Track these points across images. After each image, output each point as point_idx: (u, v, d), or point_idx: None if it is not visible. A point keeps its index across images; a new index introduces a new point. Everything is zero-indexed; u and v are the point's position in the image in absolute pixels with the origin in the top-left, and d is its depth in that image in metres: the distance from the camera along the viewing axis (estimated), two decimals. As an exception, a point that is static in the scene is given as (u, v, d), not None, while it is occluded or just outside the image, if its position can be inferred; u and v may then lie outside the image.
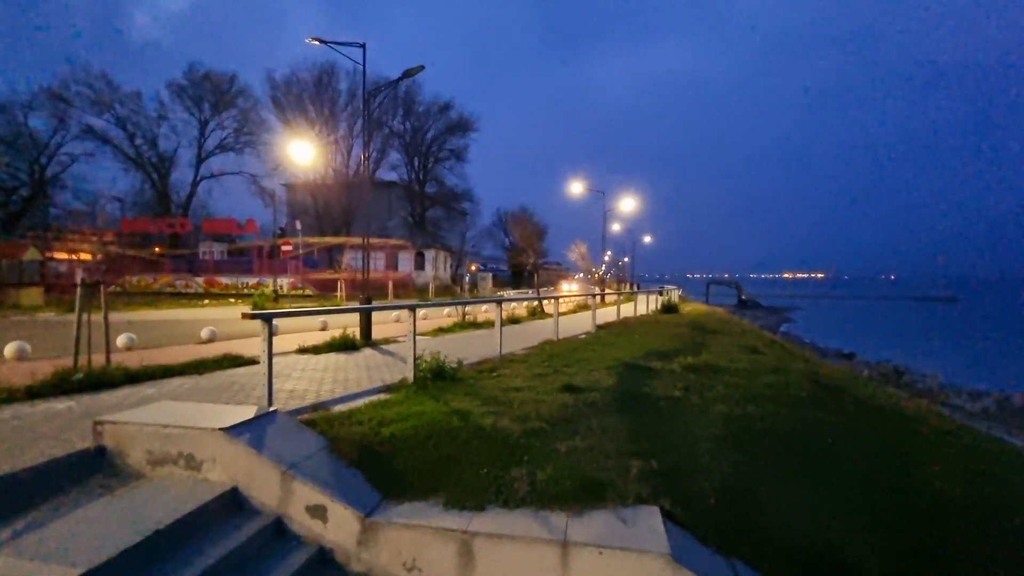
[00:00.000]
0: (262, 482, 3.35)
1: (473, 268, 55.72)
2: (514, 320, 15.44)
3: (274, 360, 7.16)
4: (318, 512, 3.24)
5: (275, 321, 11.30)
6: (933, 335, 45.67)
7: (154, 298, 25.99)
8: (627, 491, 3.30)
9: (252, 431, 3.59)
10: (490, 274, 55.36)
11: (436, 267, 45.93)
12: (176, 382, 5.82)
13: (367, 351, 8.79)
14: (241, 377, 6.16)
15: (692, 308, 25.75)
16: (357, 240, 30.05)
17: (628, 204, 28.34)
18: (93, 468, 3.43)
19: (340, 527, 3.18)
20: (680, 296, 30.70)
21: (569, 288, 35.25)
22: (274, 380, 5.76)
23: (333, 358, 7.92)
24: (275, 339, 9.86)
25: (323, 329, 12.26)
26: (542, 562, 2.86)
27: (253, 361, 7.08)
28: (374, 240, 38.36)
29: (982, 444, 6.87)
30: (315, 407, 4.77)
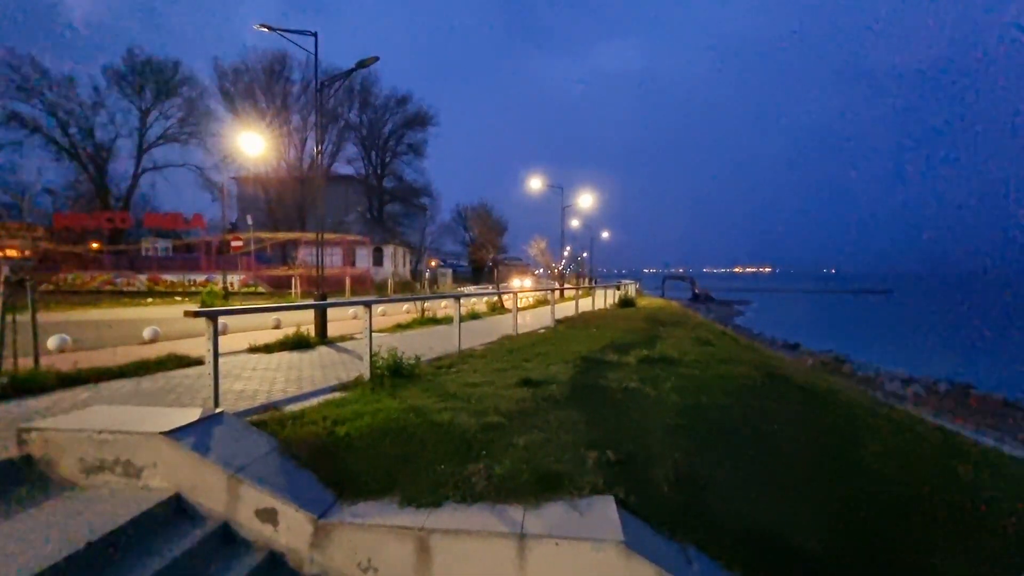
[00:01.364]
0: (208, 487, 3.21)
1: (433, 264, 55.21)
2: (474, 316, 15.40)
3: (223, 360, 6.94)
4: (268, 516, 3.13)
5: (225, 320, 11.01)
6: (869, 326, 48.65)
7: (92, 297, 24.43)
8: (583, 482, 3.35)
9: (196, 434, 3.43)
10: (450, 270, 54.97)
11: (395, 263, 45.24)
12: (114, 385, 5.49)
13: (322, 349, 8.57)
14: (186, 379, 5.88)
15: (648, 302, 26.39)
16: (312, 235, 29.20)
17: (586, 200, 28.72)
18: (17, 479, 3.19)
19: (292, 530, 3.09)
20: (637, 290, 31.39)
21: (521, 284, 34.83)
22: (223, 381, 5.55)
23: (286, 357, 7.68)
24: (225, 338, 9.58)
25: (276, 327, 11.87)
26: (499, 556, 2.87)
27: (200, 362, 6.76)
28: (330, 235, 37.42)
29: (912, 426, 7.36)
30: (266, 407, 4.61)
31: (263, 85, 44.74)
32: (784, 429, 5.39)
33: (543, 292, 20.76)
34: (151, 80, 41.02)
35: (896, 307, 74.34)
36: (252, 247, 34.01)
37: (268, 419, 4.17)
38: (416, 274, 47.23)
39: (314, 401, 4.88)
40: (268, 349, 8.14)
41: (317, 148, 12.16)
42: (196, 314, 4.06)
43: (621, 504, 3.19)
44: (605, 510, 3.09)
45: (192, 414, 3.73)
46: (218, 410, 3.93)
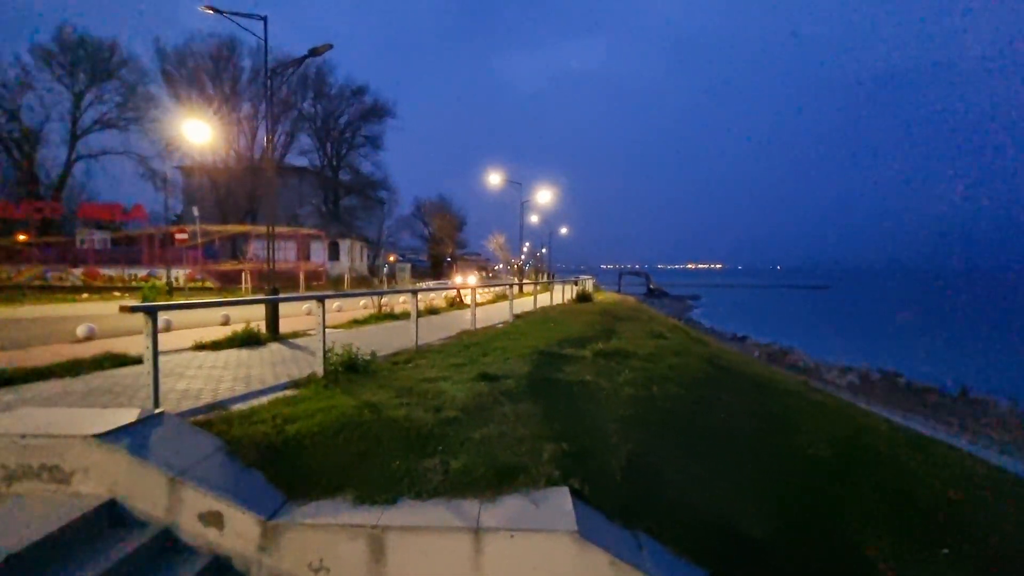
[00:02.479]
0: (146, 491, 3.05)
1: (392, 259, 54.34)
2: (432, 311, 15.26)
3: (166, 358, 6.62)
4: (213, 519, 3.00)
5: (169, 316, 10.48)
6: (810, 319, 51.37)
7: (19, 293, 22.71)
8: (539, 474, 3.38)
9: (133, 436, 3.25)
10: (409, 265, 54.27)
11: (352, 257, 44.26)
12: (41, 387, 5.12)
13: (274, 345, 8.29)
14: (124, 378, 5.55)
15: (605, 297, 26.87)
16: (264, 229, 28.20)
17: (545, 196, 28.93)
18: (-72, 490, 2.94)
19: (238, 533, 2.98)
20: (594, 286, 31.92)
21: (464, 280, 34.22)
22: (165, 380, 5.29)
23: (235, 354, 7.38)
24: (169, 336, 9.12)
25: (225, 324, 11.38)
26: (455, 550, 2.86)
27: (140, 360, 6.40)
28: (283, 229, 36.20)
29: (847, 413, 7.81)
30: (211, 407, 4.42)
31: (210, 70, 42.64)
32: (731, 418, 5.61)
33: (502, 287, 20.76)
34: (85, 61, 38.36)
35: (834, 301, 78.81)
36: (199, 240, 32.45)
37: (214, 419, 3.99)
38: (374, 269, 46.34)
39: (264, 399, 4.71)
40: (215, 346, 7.80)
41: (268, 138, 11.71)
42: (133, 309, 3.82)
43: (576, 495, 3.24)
44: (560, 501, 3.13)
45: (128, 415, 3.53)
46: (158, 410, 3.73)
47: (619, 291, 49.73)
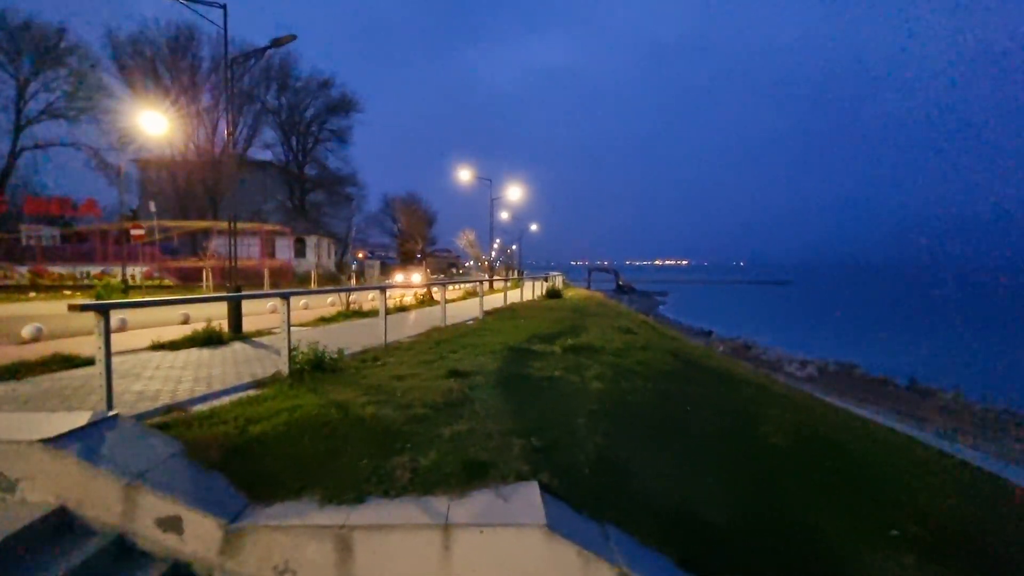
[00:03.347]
0: (99, 497, 2.93)
1: (361, 255, 53.47)
2: (402, 308, 15.11)
3: (121, 359, 6.37)
4: (171, 524, 2.91)
5: (124, 315, 10.04)
6: (773, 313, 53.12)
7: (-43, 292, 21.40)
8: (508, 469, 3.40)
9: (84, 440, 3.11)
10: (378, 261, 53.48)
11: (319, 254, 43.34)
12: (-16, 390, 4.85)
13: (236, 345, 8.05)
14: (75, 380, 5.30)
15: (575, 293, 27.12)
16: (226, 224, 27.35)
17: (515, 193, 28.97)
18: None
19: (199, 537, 2.89)
20: (564, 282, 32.15)
21: (406, 278, 30.02)
22: (120, 381, 5.10)
23: (195, 354, 7.14)
24: (124, 336, 8.75)
25: (185, 323, 11.00)
26: (424, 548, 2.85)
27: (92, 362, 6.14)
28: (247, 225, 35.18)
29: (805, 403, 8.12)
30: (170, 408, 4.26)
31: (167, 60, 40.92)
32: (697, 410, 5.76)
33: (472, 284, 20.68)
34: (30, 46, 36.23)
35: (795, 296, 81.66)
36: (156, 236, 31.22)
37: (172, 421, 3.86)
38: (342, 266, 45.49)
39: (225, 400, 4.58)
40: (174, 346, 7.54)
41: (228, 131, 11.34)
42: (84, 308, 3.65)
43: (545, 488, 3.27)
44: (529, 495, 3.15)
45: (79, 419, 3.37)
46: (111, 413, 3.58)
47: (588, 287, 50.26)
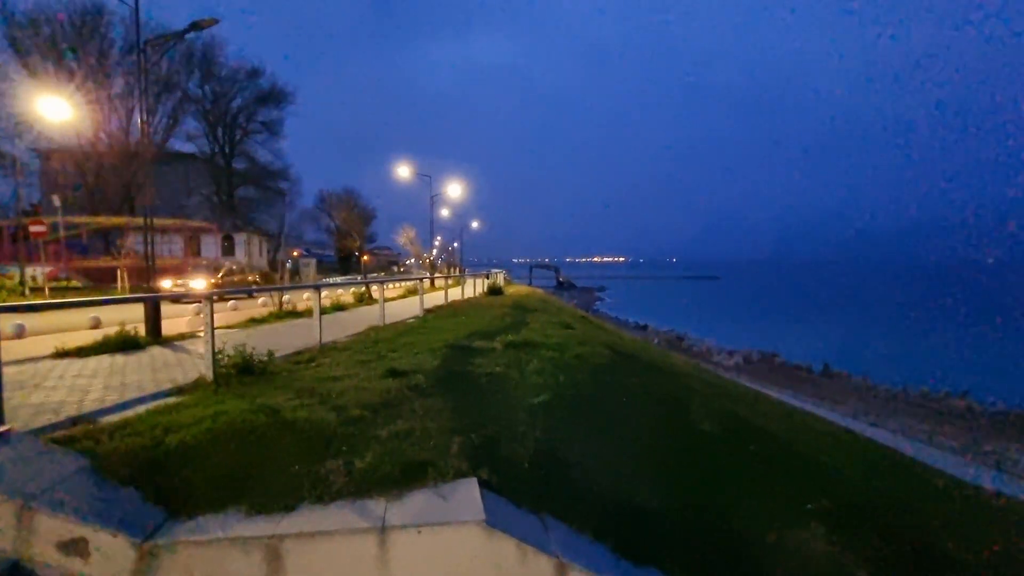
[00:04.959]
0: (-13, 523, 2.64)
1: (296, 253, 51.22)
2: (339, 307, 14.63)
3: (16, 368, 5.77)
4: (76, 547, 2.66)
5: (22, 320, 9.09)
6: (703, 307, 56.03)
7: None
8: (447, 467, 3.37)
9: (-32, 460, 2.79)
10: (314, 260, 51.44)
11: (249, 252, 41.18)
12: None
13: (155, 349, 7.50)
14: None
15: (516, 290, 27.33)
16: (142, 220, 25.30)
17: (456, 190, 28.76)
18: None
19: (109, 559, 2.66)
20: (506, 279, 32.32)
21: (177, 282, 19.30)
22: (17, 392, 4.66)
23: (106, 360, 6.58)
24: (23, 343, 7.93)
25: (96, 327, 10.13)
26: (359, 552, 2.78)
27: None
28: (168, 221, 32.82)
29: (732, 391, 8.61)
30: (75, 421, 3.91)
31: (72, 39, 37.25)
32: (633, 401, 5.95)
33: (412, 282, 20.32)
34: (-100, 18, 31.94)
35: (723, 290, 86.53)
36: (62, 234, 28.46)
37: (78, 434, 3.54)
38: (275, 264, 43.40)
39: (141, 409, 4.25)
40: (82, 353, 6.91)
41: (143, 119, 10.51)
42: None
43: (485, 485, 3.27)
44: (468, 492, 3.14)
45: (-37, 436, 3.03)
46: (3, 428, 3.23)
47: (530, 284, 50.81)
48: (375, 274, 40.71)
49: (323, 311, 7.75)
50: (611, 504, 3.65)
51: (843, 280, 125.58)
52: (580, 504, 3.50)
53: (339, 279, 33.00)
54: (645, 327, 31.98)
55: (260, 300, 16.07)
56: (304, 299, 15.67)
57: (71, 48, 34.31)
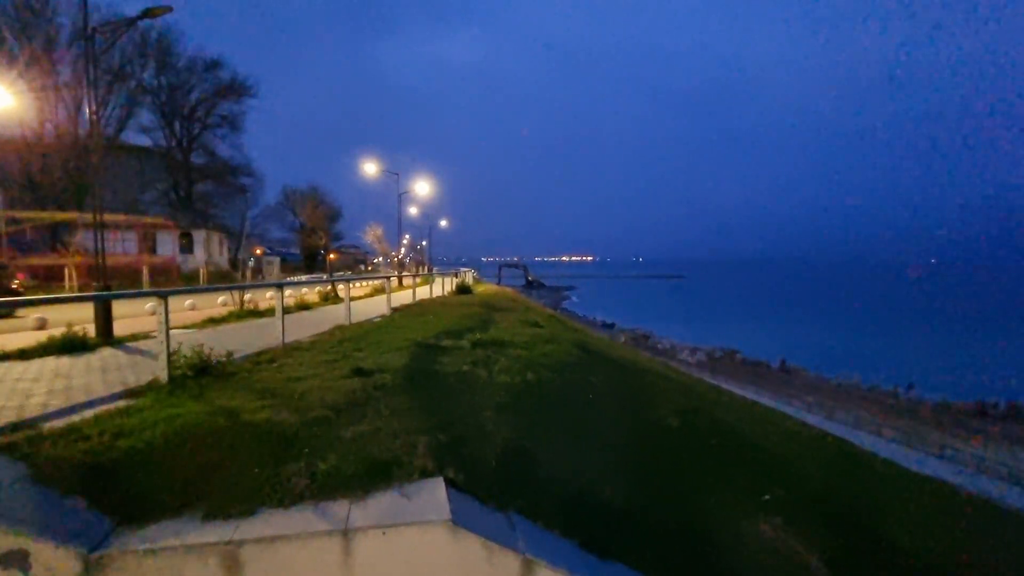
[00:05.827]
0: (-85, 537, 2.46)
1: (259, 252, 49.70)
2: (304, 306, 14.28)
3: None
4: (16, 560, 2.51)
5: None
6: (668, 305, 57.30)
7: None
8: (413, 467, 3.33)
9: None
10: (278, 258, 50.05)
11: (209, 250, 39.69)
12: None
13: (106, 351, 7.15)
14: None
15: (485, 289, 27.27)
16: (91, 216, 24.07)
17: (423, 188, 28.45)
18: None
19: (52, 571, 2.52)
20: (475, 278, 32.23)
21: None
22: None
23: (52, 363, 6.25)
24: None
25: (41, 328, 9.61)
26: (323, 556, 2.72)
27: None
28: (121, 217, 31.35)
29: (695, 387, 8.82)
30: (16, 427, 3.69)
31: (12, 24, 35.14)
32: (598, 398, 6.03)
33: (380, 280, 19.96)
34: None
35: (687, 289, 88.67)
36: (3, 229, 26.85)
37: (18, 441, 3.34)
38: (237, 263, 42.01)
39: (88, 413, 4.04)
40: (24, 355, 6.53)
41: (91, 110, 10.01)
42: None
43: (451, 484, 3.25)
44: (434, 492, 3.11)
45: None
46: (-67, 436, 3.03)
47: (499, 283, 50.81)
48: (341, 272, 39.90)
49: (287, 310, 7.55)
50: (577, 500, 3.69)
51: (804, 280, 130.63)
52: (547, 501, 3.53)
53: (304, 277, 32.23)
54: (612, 325, 32.45)
55: (220, 299, 15.53)
56: (267, 298, 15.22)
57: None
